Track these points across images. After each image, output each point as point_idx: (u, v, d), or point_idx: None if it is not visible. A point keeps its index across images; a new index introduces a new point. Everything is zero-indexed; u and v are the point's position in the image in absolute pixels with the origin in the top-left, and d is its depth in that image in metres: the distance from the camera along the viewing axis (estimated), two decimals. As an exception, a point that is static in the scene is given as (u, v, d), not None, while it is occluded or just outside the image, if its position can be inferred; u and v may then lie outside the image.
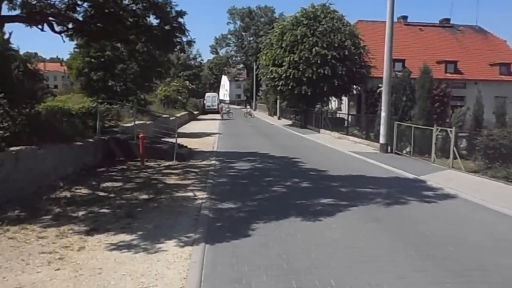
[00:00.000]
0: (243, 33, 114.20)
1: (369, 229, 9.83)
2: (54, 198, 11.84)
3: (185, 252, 8.06)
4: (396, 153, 23.66)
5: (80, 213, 10.48)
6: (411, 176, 17.12)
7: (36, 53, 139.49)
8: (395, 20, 53.84)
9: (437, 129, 20.56)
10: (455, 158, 18.74)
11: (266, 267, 7.42)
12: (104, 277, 6.86)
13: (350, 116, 38.71)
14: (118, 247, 8.26)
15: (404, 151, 23.52)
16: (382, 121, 24.10)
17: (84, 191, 13.09)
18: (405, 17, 54.83)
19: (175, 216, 10.49)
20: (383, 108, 24.24)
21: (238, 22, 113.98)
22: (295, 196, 13.05)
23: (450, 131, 19.31)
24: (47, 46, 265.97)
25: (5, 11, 17.01)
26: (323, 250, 8.35)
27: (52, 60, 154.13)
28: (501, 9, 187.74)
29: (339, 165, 19.54)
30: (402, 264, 7.68)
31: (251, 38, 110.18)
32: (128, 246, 8.29)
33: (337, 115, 44.12)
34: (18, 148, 11.96)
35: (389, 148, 24.06)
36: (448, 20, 56.93)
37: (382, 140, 24.26)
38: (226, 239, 8.89)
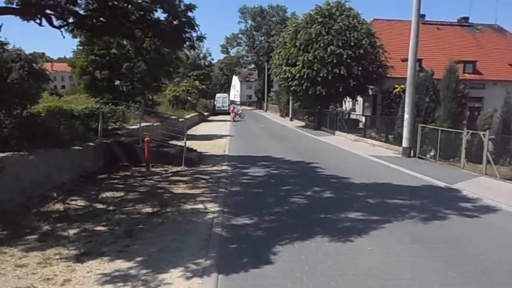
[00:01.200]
0: (255, 33, 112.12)
1: (412, 253, 8.26)
2: (44, 212, 10.40)
3: (194, 287, 6.57)
4: (419, 158, 22.07)
5: (72, 232, 9.00)
6: (442, 184, 15.54)
7: (43, 53, 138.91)
8: (412, 19, 52.61)
9: (467, 132, 18.95)
10: (488, 163, 17.10)
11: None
12: (89, 326, 5.38)
13: (368, 118, 37.19)
14: (112, 278, 6.79)
15: (428, 155, 21.94)
16: (406, 123, 22.45)
17: (80, 203, 11.63)
18: (422, 16, 52.85)
19: (182, 236, 8.99)
20: (406, 109, 22.59)
21: (250, 22, 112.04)
22: (318, 209, 11.49)
23: (483, 134, 17.70)
24: (55, 46, 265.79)
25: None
26: (362, 283, 6.82)
27: (60, 60, 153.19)
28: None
29: (361, 171, 17.98)
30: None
31: (263, 38, 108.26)
32: (125, 278, 6.81)
33: (351, 116, 42.71)
34: (3, 154, 10.59)
35: (412, 152, 22.43)
36: (466, 19, 55.22)
37: (405, 143, 22.62)
38: (243, 267, 7.38)
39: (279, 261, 7.72)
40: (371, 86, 42.17)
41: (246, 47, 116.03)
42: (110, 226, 9.48)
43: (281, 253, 8.09)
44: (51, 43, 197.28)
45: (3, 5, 15.89)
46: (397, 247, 8.62)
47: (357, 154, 23.98)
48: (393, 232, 9.53)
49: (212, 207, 11.49)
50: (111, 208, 11.13)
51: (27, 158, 11.46)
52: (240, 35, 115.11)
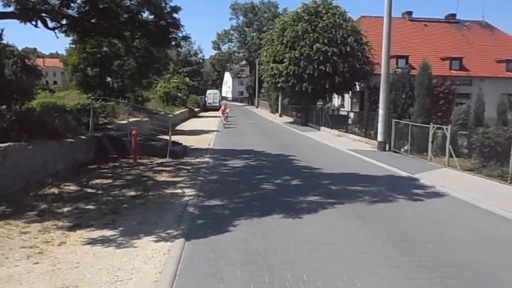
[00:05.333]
0: (246, 29, 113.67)
1: (351, 227, 10.09)
2: (41, 195, 12.13)
3: (165, 248, 8.33)
4: (394, 151, 23.82)
5: (65, 210, 10.77)
6: (404, 174, 17.34)
7: (35, 49, 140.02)
8: (400, 16, 54.43)
9: (433, 126, 20.74)
10: (451, 156, 18.89)
11: (242, 263, 7.70)
12: (81, 271, 7.14)
13: (353, 114, 38.86)
14: (98, 242, 8.55)
15: (402, 149, 23.68)
16: (380, 118, 24.27)
17: (73, 187, 13.36)
18: (409, 13, 54.86)
19: (160, 213, 10.76)
20: (380, 105, 24.40)
21: (241, 18, 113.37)
22: (283, 194, 13.33)
23: (446, 128, 19.50)
24: (46, 41, 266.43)
25: (-2, 8, 17.34)
26: (301, 246, 8.62)
27: (52, 55, 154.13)
28: (509, 4, 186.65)
29: (334, 163, 19.79)
30: (378, 261, 7.93)
31: (254, 34, 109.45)
32: (109, 241, 8.58)
33: (339, 113, 44.30)
34: (6, 144, 12.23)
35: (387, 146, 24.22)
36: (454, 15, 56.79)
37: (380, 138, 24.43)
38: (206, 235, 9.19)
39: (238, 231, 9.53)
40: (357, 83, 43.78)
41: (238, 43, 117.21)
42: (98, 206, 11.26)
43: (241, 226, 9.89)
44: (42, 38, 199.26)
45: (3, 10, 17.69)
46: (341, 222, 10.44)
47: (336, 148, 25.77)
48: (342, 211, 11.36)
49: (190, 191, 13.25)
50: (99, 192, 12.89)
51: (26, 148, 13.15)
52: (231, 31, 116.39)
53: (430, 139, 20.68)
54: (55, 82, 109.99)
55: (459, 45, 51.59)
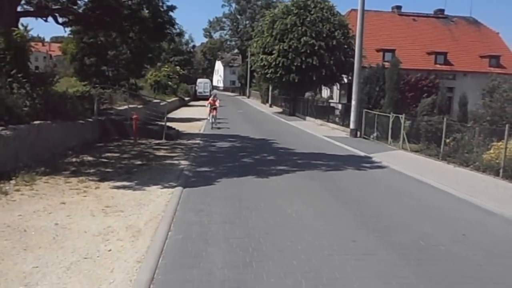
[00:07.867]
0: (239, 17, 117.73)
1: (303, 183, 14.87)
2: (67, 162, 16.68)
3: (169, 191, 12.96)
4: (364, 138, 28.57)
5: (91, 171, 15.35)
6: (362, 154, 22.10)
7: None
8: (389, 10, 58.84)
9: (392, 115, 25.40)
10: (404, 141, 23.60)
11: (222, 198, 12.42)
12: (116, 200, 11.75)
13: (340, 105, 43.22)
14: (122, 188, 13.16)
15: (372, 136, 28.30)
16: (352, 108, 29.05)
17: (89, 158, 17.89)
18: (399, 7, 59.26)
19: (162, 174, 15.38)
20: (353, 96, 29.15)
21: (234, 5, 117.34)
22: (258, 165, 18.06)
23: (401, 117, 24.19)
24: (27, 23, 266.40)
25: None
26: (263, 190, 13.41)
27: (33, 39, 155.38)
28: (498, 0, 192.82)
29: (307, 146, 24.50)
30: (312, 198, 12.74)
31: (247, 22, 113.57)
32: (129, 188, 13.20)
33: (326, 103, 48.38)
34: (38, 122, 16.75)
35: (358, 133, 28.91)
36: (442, 10, 61.24)
37: (352, 126, 29.24)
38: (198, 186, 13.88)
39: (221, 184, 14.25)
40: (345, 75, 47.90)
41: (230, 32, 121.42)
42: (114, 169, 15.89)
43: (223, 181, 14.60)
44: (23, 20, 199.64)
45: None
46: (296, 180, 15.22)
47: (314, 135, 30.60)
48: (300, 175, 16.11)
49: (184, 162, 17.90)
50: (112, 161, 17.51)
51: (51, 126, 17.65)
52: (223, 19, 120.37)
53: (390, 126, 25.37)
54: (36, 68, 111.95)
55: (445, 40, 55.98)
